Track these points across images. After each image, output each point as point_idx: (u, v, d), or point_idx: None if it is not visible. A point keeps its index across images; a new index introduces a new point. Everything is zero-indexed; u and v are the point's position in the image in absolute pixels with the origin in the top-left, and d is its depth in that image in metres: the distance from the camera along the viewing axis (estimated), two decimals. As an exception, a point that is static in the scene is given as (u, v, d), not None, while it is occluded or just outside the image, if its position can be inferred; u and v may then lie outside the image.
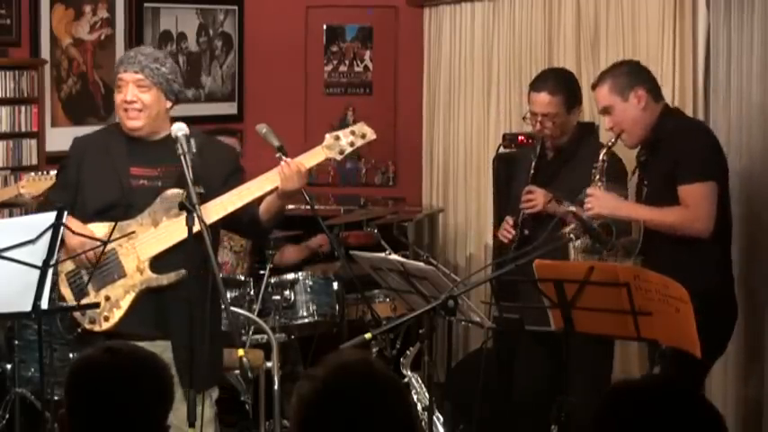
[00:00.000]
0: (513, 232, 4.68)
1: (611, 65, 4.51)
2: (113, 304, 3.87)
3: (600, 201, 4.18)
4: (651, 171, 4.29)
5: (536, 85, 4.73)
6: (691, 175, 4.12)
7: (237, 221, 3.97)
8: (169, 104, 3.99)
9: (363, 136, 3.98)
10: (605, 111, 4.30)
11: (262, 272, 5.44)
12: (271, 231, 4.34)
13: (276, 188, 3.88)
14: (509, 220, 4.75)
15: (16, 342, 4.93)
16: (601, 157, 4.26)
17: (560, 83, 4.71)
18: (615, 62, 4.59)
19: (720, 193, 4.19)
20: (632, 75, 4.28)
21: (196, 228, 3.64)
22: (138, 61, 3.93)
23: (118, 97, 3.96)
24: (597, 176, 4.25)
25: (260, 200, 3.94)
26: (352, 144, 3.96)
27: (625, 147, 4.39)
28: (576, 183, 4.44)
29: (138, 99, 3.91)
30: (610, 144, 4.29)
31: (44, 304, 3.67)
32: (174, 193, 3.86)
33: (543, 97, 4.65)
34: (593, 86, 4.38)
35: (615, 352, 5.30)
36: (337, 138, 3.95)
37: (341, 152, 3.95)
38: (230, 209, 3.86)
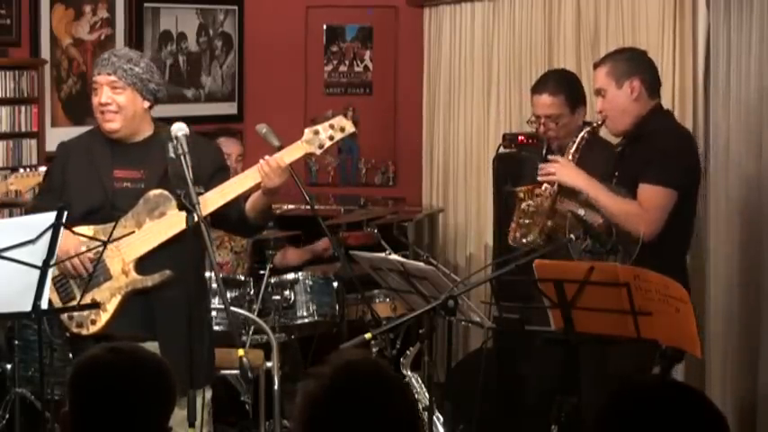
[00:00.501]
0: None
1: (618, 48, 4.49)
2: (100, 307, 3.87)
3: (564, 169, 4.18)
4: (625, 164, 4.26)
5: (537, 87, 4.71)
6: (655, 176, 4.08)
7: (226, 219, 3.98)
8: (147, 104, 3.99)
9: (342, 129, 3.95)
10: (598, 92, 4.28)
11: (262, 272, 5.44)
12: (261, 228, 4.33)
13: (259, 184, 3.88)
14: None
15: (16, 342, 4.93)
16: (582, 134, 4.24)
17: (561, 83, 4.68)
18: (622, 47, 4.56)
19: (686, 204, 4.16)
20: (632, 64, 4.23)
21: (181, 227, 3.64)
22: (111, 63, 3.93)
23: (94, 100, 3.97)
24: (573, 149, 4.23)
25: (247, 197, 3.95)
26: (331, 138, 3.93)
27: (609, 133, 4.38)
28: None
29: (113, 101, 3.91)
30: (595, 124, 4.25)
31: (44, 304, 3.67)
32: (157, 194, 3.87)
33: (545, 99, 4.62)
34: (595, 66, 4.35)
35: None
36: (316, 132, 3.93)
37: (320, 146, 3.93)
38: (212, 207, 3.86)
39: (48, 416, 4.46)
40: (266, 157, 3.86)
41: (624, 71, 4.21)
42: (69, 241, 3.78)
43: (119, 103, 3.92)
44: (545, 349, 4.64)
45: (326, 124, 3.96)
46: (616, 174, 4.26)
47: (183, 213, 3.67)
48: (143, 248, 3.87)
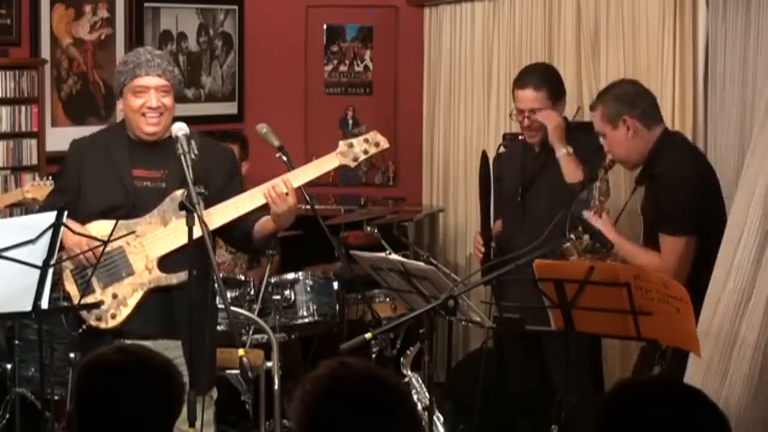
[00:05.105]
0: (483, 249, 4.77)
1: (607, 86, 4.43)
2: (120, 302, 3.87)
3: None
4: (649, 205, 4.27)
5: (520, 81, 4.79)
6: (669, 227, 4.10)
7: (230, 234, 3.97)
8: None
9: (377, 144, 4.06)
10: (600, 134, 4.30)
11: (261, 271, 5.44)
12: (259, 250, 4.37)
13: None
14: (478, 237, 4.84)
15: (16, 342, 4.93)
16: (600, 176, 4.24)
17: (544, 78, 4.77)
18: (612, 83, 4.49)
19: (711, 238, 4.13)
20: (622, 101, 4.20)
21: (197, 228, 3.65)
22: (157, 64, 3.90)
23: (136, 102, 3.89)
24: (596, 195, 4.22)
25: (257, 217, 3.95)
26: (365, 152, 4.03)
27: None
28: (561, 177, 4.51)
29: (162, 104, 3.90)
30: (606, 167, 4.26)
31: (44, 304, 3.67)
32: (184, 193, 3.85)
33: (529, 93, 4.71)
34: (591, 108, 4.37)
35: (615, 352, 5.31)
36: (351, 145, 4.01)
37: (354, 159, 4.02)
38: (242, 211, 3.87)
39: (48, 416, 4.46)
40: (276, 180, 3.85)
41: (615, 112, 4.19)
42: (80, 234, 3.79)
43: (166, 106, 3.91)
44: (525, 347, 4.69)
45: (361, 138, 4.05)
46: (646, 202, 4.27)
47: (210, 214, 3.74)
48: (168, 246, 3.87)
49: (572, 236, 4.11)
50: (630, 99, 4.22)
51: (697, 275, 3.99)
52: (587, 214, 4.21)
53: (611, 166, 4.27)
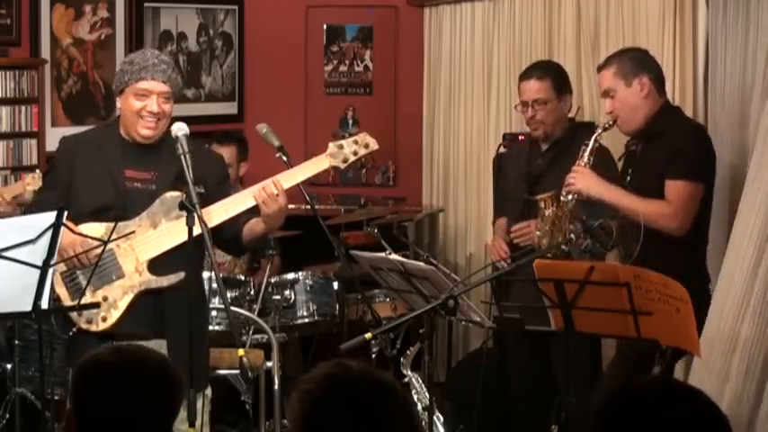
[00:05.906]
0: (507, 254, 4.73)
1: (620, 49, 4.54)
2: (111, 305, 3.86)
3: (584, 178, 4.22)
4: (641, 163, 4.28)
5: (524, 74, 4.83)
6: (681, 171, 4.13)
7: (220, 237, 3.96)
8: None
9: (366, 146, 4.04)
10: (606, 94, 4.31)
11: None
12: (256, 251, 4.35)
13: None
14: (502, 244, 4.77)
15: (16, 342, 4.93)
16: (594, 137, 4.27)
17: (547, 69, 4.82)
18: (624, 47, 4.61)
19: (706, 198, 4.19)
20: (639, 62, 4.30)
21: (196, 228, 3.65)
22: (163, 70, 3.88)
23: (136, 104, 3.87)
24: (586, 154, 4.25)
25: (246, 219, 3.95)
26: (355, 153, 4.01)
27: (620, 132, 4.41)
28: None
29: (162, 110, 3.88)
30: (606, 126, 4.28)
31: (44, 304, 3.67)
32: (174, 195, 3.85)
33: (532, 83, 4.73)
34: (599, 68, 4.40)
35: (615, 352, 5.31)
36: (341, 147, 4.00)
37: (344, 161, 4.00)
38: (232, 213, 3.87)
39: (48, 416, 4.46)
40: (266, 181, 3.86)
41: (631, 69, 4.25)
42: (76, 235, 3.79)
43: (165, 113, 3.90)
44: (527, 347, 4.69)
45: (351, 140, 4.04)
46: (629, 172, 4.28)
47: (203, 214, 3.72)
48: (158, 249, 3.86)
49: (572, 236, 4.11)
50: (646, 62, 4.32)
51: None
52: (575, 167, 4.23)
53: (611, 127, 4.28)
